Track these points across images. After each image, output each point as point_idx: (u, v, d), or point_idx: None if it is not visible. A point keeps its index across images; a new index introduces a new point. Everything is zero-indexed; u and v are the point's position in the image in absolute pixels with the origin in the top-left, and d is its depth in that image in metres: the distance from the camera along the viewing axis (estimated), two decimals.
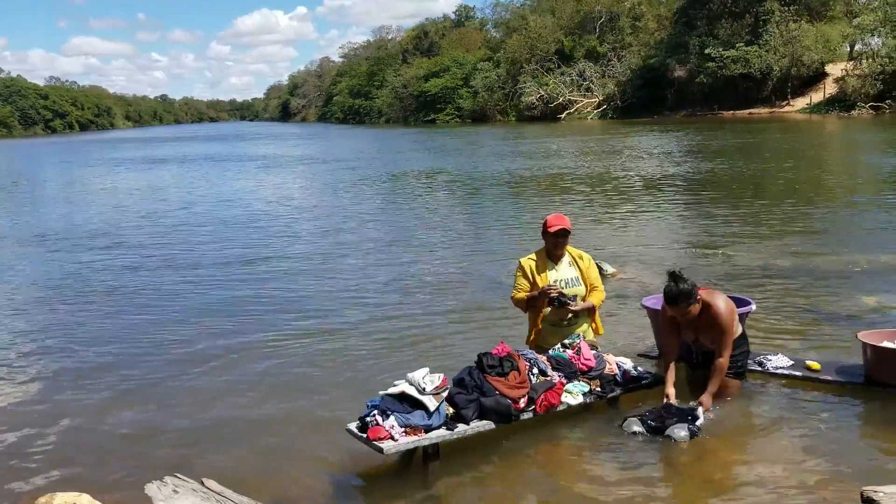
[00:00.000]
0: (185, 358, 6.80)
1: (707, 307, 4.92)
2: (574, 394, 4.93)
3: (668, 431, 4.63)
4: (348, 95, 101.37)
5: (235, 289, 9.49)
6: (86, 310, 8.74)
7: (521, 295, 5.49)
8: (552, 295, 5.31)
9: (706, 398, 4.92)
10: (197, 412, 5.60)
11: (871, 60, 46.52)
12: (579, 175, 20.90)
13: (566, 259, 5.55)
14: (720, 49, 52.01)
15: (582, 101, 62.48)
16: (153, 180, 27.53)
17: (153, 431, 5.29)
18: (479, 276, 9.56)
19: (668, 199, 15.76)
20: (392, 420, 4.35)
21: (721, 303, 4.95)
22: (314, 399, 5.72)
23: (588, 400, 4.99)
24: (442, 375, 4.58)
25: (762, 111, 52.42)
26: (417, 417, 4.39)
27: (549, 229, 5.42)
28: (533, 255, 5.60)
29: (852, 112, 44.94)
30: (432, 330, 7.30)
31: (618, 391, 5.12)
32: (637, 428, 4.72)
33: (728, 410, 5.03)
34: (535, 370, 4.90)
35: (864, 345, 5.14)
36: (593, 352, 5.20)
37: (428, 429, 4.41)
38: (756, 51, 51.11)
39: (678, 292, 4.87)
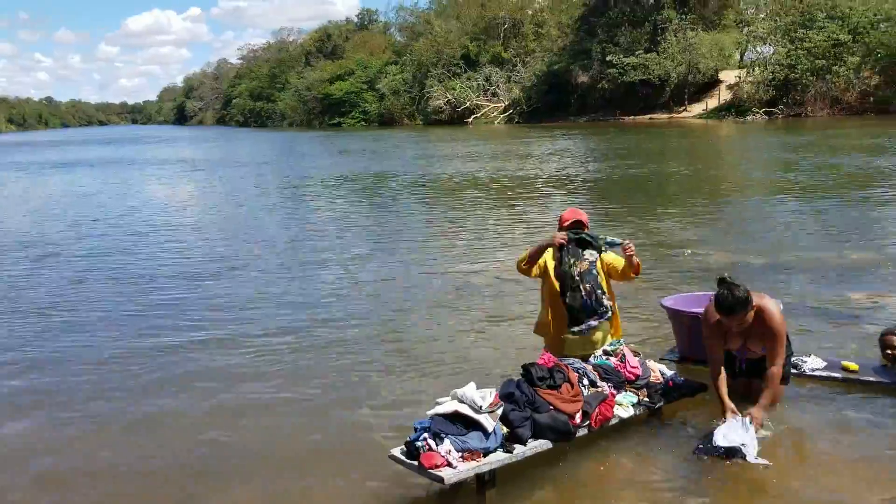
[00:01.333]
0: (162, 382, 6.00)
1: (759, 312, 4.60)
2: (624, 405, 4.55)
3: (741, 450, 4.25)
4: (249, 98, 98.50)
5: (205, 302, 8.47)
6: (32, 329, 7.68)
7: (524, 254, 5.15)
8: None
9: (757, 411, 4.51)
10: (193, 444, 4.90)
11: (762, 68, 48.72)
12: (529, 177, 20.51)
13: None
14: (621, 56, 53.28)
15: (489, 105, 62.86)
16: (67, 187, 24.99)
17: (146, 469, 4.58)
18: (470, 280, 9.02)
19: (615, 200, 15.74)
20: (447, 444, 3.83)
21: (773, 306, 4.64)
22: (331, 421, 5.11)
23: (637, 412, 4.61)
24: (493, 391, 4.10)
25: (662, 116, 54.06)
26: (475, 440, 3.89)
27: (563, 224, 5.06)
28: (549, 252, 5.19)
29: (747, 117, 46.84)
30: (440, 340, 6.78)
31: (663, 401, 4.75)
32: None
33: (781, 417, 4.75)
34: (585, 381, 4.48)
35: None
36: (637, 358, 4.82)
37: (486, 452, 3.91)
38: (655, 58, 52.60)
39: (734, 301, 4.48)
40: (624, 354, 4.76)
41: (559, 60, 59.48)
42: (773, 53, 48.11)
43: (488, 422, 3.93)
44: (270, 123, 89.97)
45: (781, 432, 4.61)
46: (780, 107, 46.52)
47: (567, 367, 4.43)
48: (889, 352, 5.37)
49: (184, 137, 71.79)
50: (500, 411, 4.04)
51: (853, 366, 5.19)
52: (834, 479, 4.14)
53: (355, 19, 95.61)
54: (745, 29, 54.11)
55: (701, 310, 5.61)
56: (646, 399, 4.66)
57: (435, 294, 8.41)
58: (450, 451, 3.80)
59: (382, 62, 74.38)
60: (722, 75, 54.01)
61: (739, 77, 50.38)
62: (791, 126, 39.19)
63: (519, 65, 62.48)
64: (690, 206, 14.46)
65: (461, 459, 3.82)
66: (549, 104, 59.27)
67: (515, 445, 4.03)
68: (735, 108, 48.95)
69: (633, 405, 4.59)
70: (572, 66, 57.10)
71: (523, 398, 4.18)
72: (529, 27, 64.75)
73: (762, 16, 53.50)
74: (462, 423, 3.93)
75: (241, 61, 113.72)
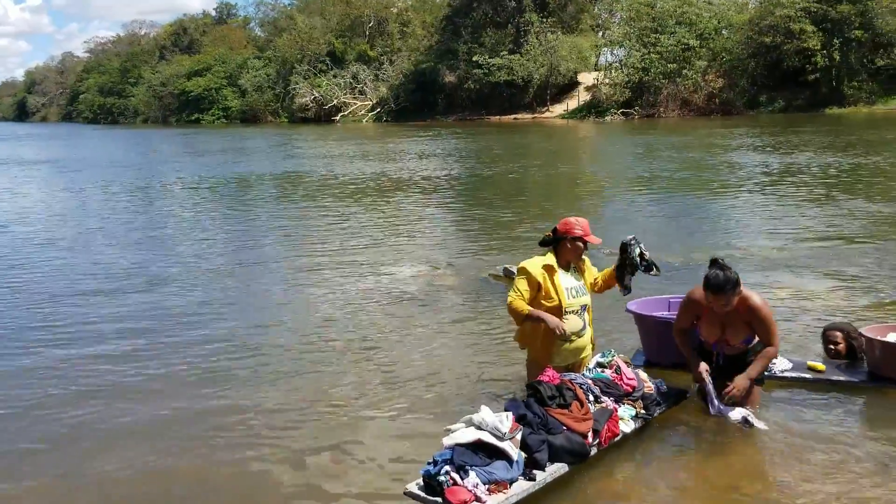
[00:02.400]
0: (86, 426, 5.32)
1: (744, 300, 4.69)
2: (625, 420, 4.43)
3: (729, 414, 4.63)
4: (98, 93, 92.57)
5: (129, 321, 7.60)
6: None
7: (523, 305, 4.79)
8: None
9: (742, 380, 4.69)
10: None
11: (618, 71, 50.96)
12: (440, 177, 20.17)
13: (571, 265, 5.06)
14: (486, 57, 54.27)
15: (356, 103, 62.27)
16: None
17: None
18: (407, 286, 8.62)
19: (519, 199, 15.88)
20: (473, 476, 3.56)
21: (758, 296, 4.77)
22: (317, 455, 4.65)
23: (636, 424, 4.51)
24: (510, 414, 3.86)
25: (526, 116, 55.47)
26: (501, 470, 3.64)
27: (574, 232, 4.86)
28: (540, 260, 4.99)
29: (606, 118, 48.82)
30: (408, 352, 6.41)
31: (657, 411, 4.68)
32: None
33: (767, 419, 4.79)
34: (591, 397, 4.32)
35: (871, 340, 5.16)
36: (630, 369, 4.72)
37: (511, 482, 3.66)
38: (518, 59, 53.92)
39: (725, 280, 4.60)
40: (619, 366, 4.65)
41: (426, 60, 59.83)
42: (629, 57, 50.35)
43: (512, 449, 3.70)
44: (123, 120, 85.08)
45: (782, 435, 4.65)
46: (635, 108, 48.73)
47: (573, 384, 4.25)
48: (832, 347, 5.56)
49: (33, 135, 65.79)
50: (519, 436, 3.81)
51: (820, 366, 5.34)
52: (821, 479, 4.19)
53: (213, 13, 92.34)
54: (602, 33, 56.53)
55: (665, 313, 5.64)
56: (643, 411, 4.57)
57: (382, 303, 7.99)
58: (477, 484, 3.54)
59: (244, 58, 72.03)
60: (580, 77, 56.07)
61: (597, 79, 52.51)
62: (648, 126, 41.10)
63: (386, 63, 62.29)
64: (586, 203, 14.78)
65: (488, 492, 3.56)
66: (417, 103, 59.48)
67: (535, 472, 3.81)
68: (595, 109, 50.93)
69: (632, 418, 4.48)
70: (439, 65, 57.61)
71: (536, 420, 3.97)
72: (394, 26, 64.70)
73: (616, 20, 56.12)
74: (485, 451, 3.66)
75: (89, 55, 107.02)
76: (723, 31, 49.17)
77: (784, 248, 9.97)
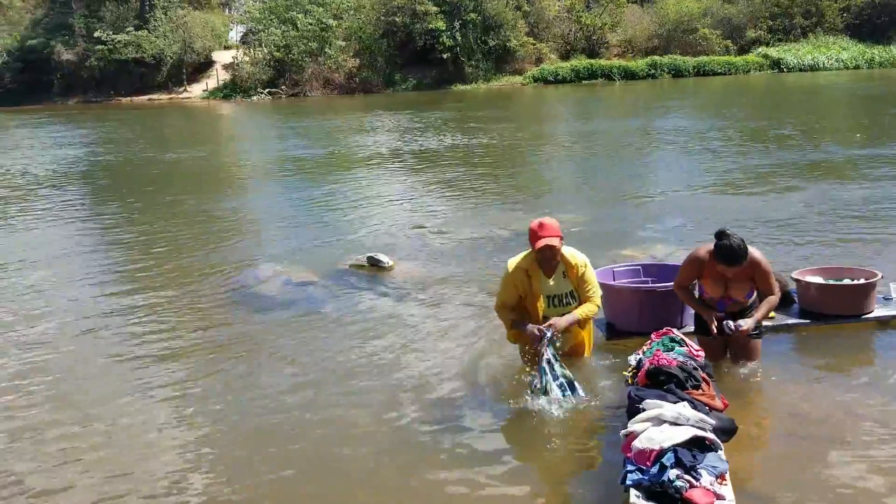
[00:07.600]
0: None
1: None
2: None
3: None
4: None
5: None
6: None
7: (504, 318, 4.96)
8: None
9: (749, 322, 4.96)
10: None
11: (258, 48, 49.91)
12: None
13: (560, 269, 4.93)
14: (110, 32, 49.46)
15: None
16: None
17: None
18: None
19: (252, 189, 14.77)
20: (706, 475, 3.35)
21: (757, 251, 5.02)
22: None
23: None
24: (686, 404, 3.69)
25: (162, 97, 51.67)
26: (717, 461, 3.48)
27: (534, 245, 4.76)
28: (522, 262, 4.88)
29: (253, 98, 47.57)
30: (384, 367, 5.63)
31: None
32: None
33: (767, 369, 5.22)
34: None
35: (808, 284, 5.85)
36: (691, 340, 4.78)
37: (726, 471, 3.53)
38: (147, 36, 50.08)
39: (740, 252, 4.77)
40: (681, 338, 4.68)
41: (34, 35, 52.44)
42: (268, 35, 49.47)
43: (717, 438, 3.56)
44: None
45: (782, 383, 5.09)
46: (281, 87, 48.21)
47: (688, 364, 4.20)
48: None
49: None
50: None
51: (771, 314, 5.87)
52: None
53: None
54: (232, 10, 54.75)
55: (611, 282, 5.85)
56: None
57: (268, 312, 7.01)
58: (712, 482, 3.34)
59: None
60: (217, 56, 53.79)
61: (236, 58, 50.90)
62: (296, 105, 40.93)
63: None
64: (241, 190, 14.36)
65: (719, 486, 3.40)
66: (28, 84, 52.00)
67: None
68: (239, 88, 49.29)
69: None
70: (52, 42, 50.92)
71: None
72: None
73: None
74: (697, 447, 3.47)
75: None
76: (351, 11, 50.56)
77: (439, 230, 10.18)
